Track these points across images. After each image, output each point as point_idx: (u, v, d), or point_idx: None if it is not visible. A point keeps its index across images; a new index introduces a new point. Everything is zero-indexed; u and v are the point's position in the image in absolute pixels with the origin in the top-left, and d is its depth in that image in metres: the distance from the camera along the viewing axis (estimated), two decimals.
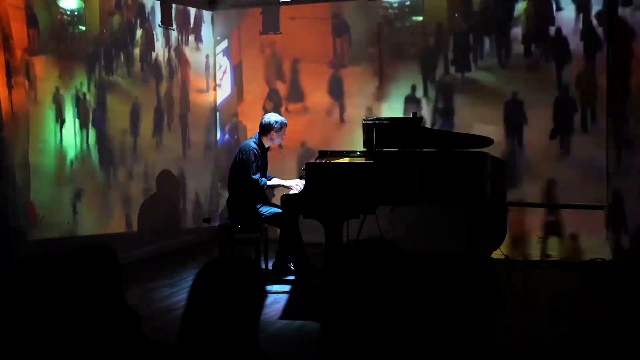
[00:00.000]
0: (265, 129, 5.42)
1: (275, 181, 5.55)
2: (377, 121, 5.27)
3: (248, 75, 7.22)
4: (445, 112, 6.41)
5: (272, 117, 5.45)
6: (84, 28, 5.76)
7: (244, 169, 5.29)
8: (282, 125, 5.44)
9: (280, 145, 6.40)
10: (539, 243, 6.04)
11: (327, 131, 6.87)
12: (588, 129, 5.94)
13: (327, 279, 4.93)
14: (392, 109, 6.58)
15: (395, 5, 6.59)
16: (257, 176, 5.28)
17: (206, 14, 7.28)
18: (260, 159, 5.40)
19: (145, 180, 6.46)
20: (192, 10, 7.11)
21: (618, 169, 5.73)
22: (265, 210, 5.34)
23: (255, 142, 5.40)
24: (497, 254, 6.02)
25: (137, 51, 6.35)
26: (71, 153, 5.58)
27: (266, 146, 5.47)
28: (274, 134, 5.42)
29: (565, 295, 5.04)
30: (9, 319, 1.70)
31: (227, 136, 7.32)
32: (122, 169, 6.16)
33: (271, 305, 4.66)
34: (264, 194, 5.51)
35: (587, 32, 5.92)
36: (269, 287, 5.17)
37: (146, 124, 6.47)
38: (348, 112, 6.79)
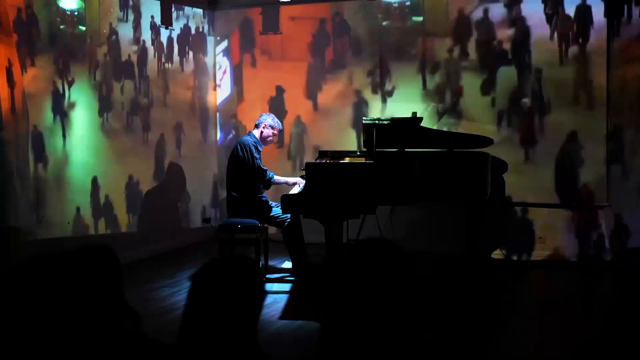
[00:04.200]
0: (259, 122, 5.53)
1: (280, 179, 5.58)
2: (377, 121, 5.27)
3: (248, 75, 7.22)
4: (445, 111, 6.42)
5: (269, 115, 5.61)
6: (84, 28, 5.76)
7: (246, 162, 5.31)
8: (275, 125, 5.50)
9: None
10: (539, 243, 6.04)
11: (327, 131, 6.87)
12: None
13: (327, 279, 4.93)
14: (392, 108, 6.58)
15: (395, 5, 6.59)
16: (264, 167, 5.34)
17: (206, 14, 7.28)
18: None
19: (145, 180, 6.45)
20: (192, 10, 7.10)
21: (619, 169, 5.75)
22: (275, 213, 5.34)
23: (250, 138, 5.45)
24: (497, 254, 6.02)
25: (137, 51, 6.34)
26: (71, 152, 5.58)
27: (259, 142, 5.49)
28: (265, 127, 5.47)
29: (565, 295, 5.04)
30: (9, 319, 1.70)
31: (230, 135, 7.31)
32: (122, 169, 6.16)
33: (271, 305, 4.66)
34: (263, 192, 5.51)
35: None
36: (269, 287, 5.18)
37: (146, 124, 6.47)
38: (348, 112, 6.79)
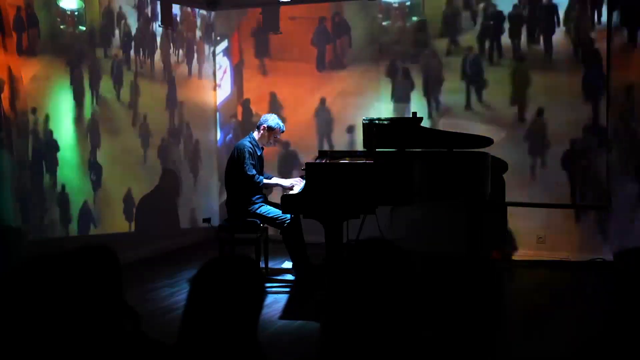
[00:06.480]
0: (260, 123, 5.49)
1: (273, 180, 5.56)
2: (377, 121, 5.27)
3: (248, 75, 7.22)
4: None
5: (270, 115, 5.54)
6: (83, 28, 5.76)
7: (239, 167, 5.30)
8: (277, 126, 5.45)
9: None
10: (539, 243, 6.04)
11: (326, 132, 6.86)
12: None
13: (327, 279, 4.94)
14: (392, 108, 6.58)
15: (395, 5, 6.59)
16: (252, 172, 5.29)
17: (206, 14, 7.28)
18: (257, 158, 5.42)
19: (145, 180, 6.45)
20: (192, 10, 7.10)
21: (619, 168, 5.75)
22: (265, 210, 5.34)
23: (249, 141, 5.43)
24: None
25: (137, 51, 6.34)
26: (71, 153, 5.58)
27: (259, 145, 5.48)
28: (265, 129, 5.44)
29: (565, 295, 5.04)
30: (9, 319, 1.70)
31: (229, 136, 7.31)
32: (122, 169, 6.16)
33: (271, 305, 4.66)
34: (262, 193, 5.51)
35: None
36: (269, 287, 5.18)
37: (146, 124, 6.46)
38: (348, 112, 6.78)
